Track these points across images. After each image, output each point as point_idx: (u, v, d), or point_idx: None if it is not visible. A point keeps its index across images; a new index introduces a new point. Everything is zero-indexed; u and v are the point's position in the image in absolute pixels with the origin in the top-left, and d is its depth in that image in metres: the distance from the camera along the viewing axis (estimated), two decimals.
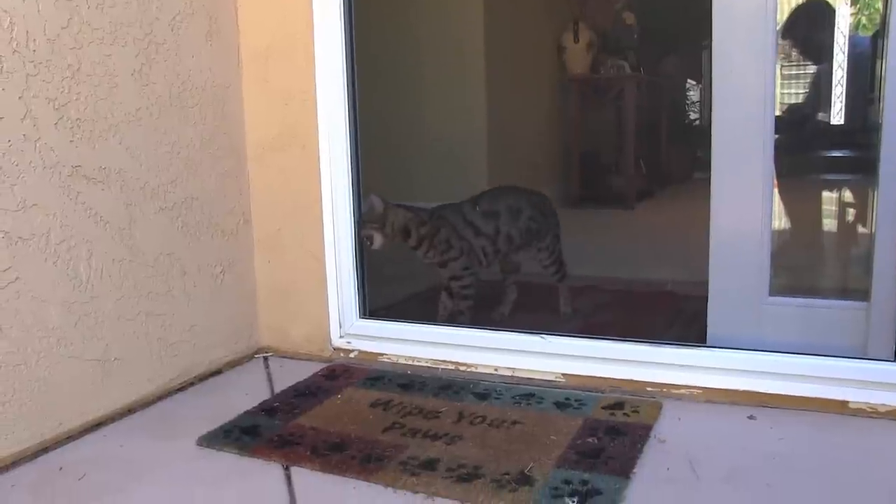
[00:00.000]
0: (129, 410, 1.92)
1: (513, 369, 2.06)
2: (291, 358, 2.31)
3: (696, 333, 2.00)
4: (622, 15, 5.37)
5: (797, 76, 3.81)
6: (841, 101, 3.39)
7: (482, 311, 2.47)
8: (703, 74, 5.85)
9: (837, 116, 3.43)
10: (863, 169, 2.83)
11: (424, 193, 2.47)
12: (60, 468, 1.63)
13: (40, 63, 1.67)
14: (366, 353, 2.25)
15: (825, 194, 3.23)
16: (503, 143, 4.29)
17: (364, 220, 2.28)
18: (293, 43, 2.18)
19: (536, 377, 2.03)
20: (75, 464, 1.65)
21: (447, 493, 1.44)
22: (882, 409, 1.72)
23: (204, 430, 1.76)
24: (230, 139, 2.22)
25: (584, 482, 1.45)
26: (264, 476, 1.56)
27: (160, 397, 2.00)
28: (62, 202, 1.73)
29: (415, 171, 3.73)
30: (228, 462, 1.63)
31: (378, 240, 2.30)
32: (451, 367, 2.13)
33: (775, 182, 1.96)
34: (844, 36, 3.25)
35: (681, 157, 5.58)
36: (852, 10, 3.34)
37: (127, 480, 1.56)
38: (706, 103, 5.73)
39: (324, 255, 2.24)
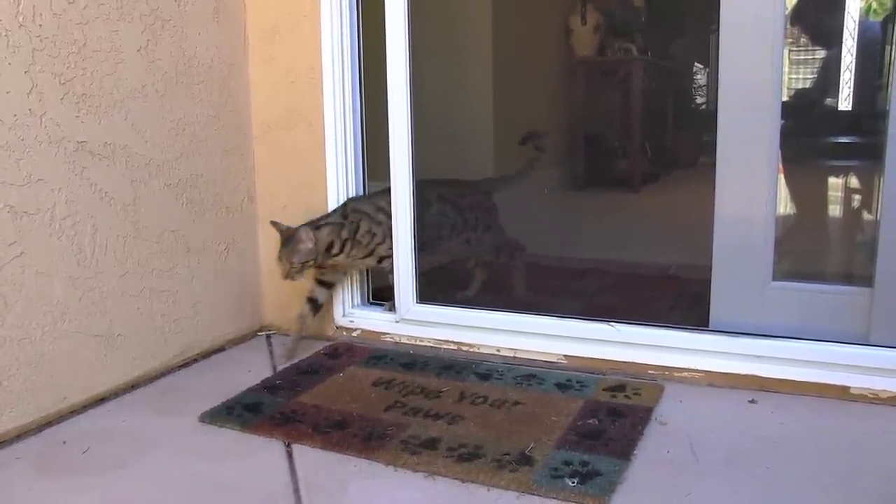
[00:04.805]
0: (133, 386, 1.93)
1: (515, 350, 2.06)
2: None
3: (699, 317, 2.00)
4: None
5: (805, 61, 3.79)
6: (849, 87, 3.37)
7: (486, 292, 2.46)
8: (710, 58, 5.82)
9: (845, 102, 3.41)
10: (869, 155, 2.82)
11: (429, 175, 2.45)
12: (64, 442, 1.64)
13: (46, 38, 1.67)
14: (368, 332, 2.25)
15: (831, 180, 3.22)
16: (509, 124, 4.28)
17: (301, 261, 2.06)
18: (300, 21, 2.17)
19: (538, 358, 2.03)
20: (79, 437, 1.66)
21: (448, 473, 1.45)
22: (883, 395, 1.72)
23: (206, 407, 1.77)
24: (236, 116, 2.21)
25: (585, 463, 1.46)
26: (266, 453, 1.57)
27: (163, 373, 2.01)
28: (67, 177, 1.73)
29: (420, 152, 3.72)
30: (230, 438, 1.64)
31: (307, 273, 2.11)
32: (453, 347, 2.14)
33: (781, 167, 1.95)
34: (854, 21, 3.23)
35: (687, 141, 5.56)
36: None
37: (130, 455, 1.57)
38: (713, 87, 5.70)
39: None
